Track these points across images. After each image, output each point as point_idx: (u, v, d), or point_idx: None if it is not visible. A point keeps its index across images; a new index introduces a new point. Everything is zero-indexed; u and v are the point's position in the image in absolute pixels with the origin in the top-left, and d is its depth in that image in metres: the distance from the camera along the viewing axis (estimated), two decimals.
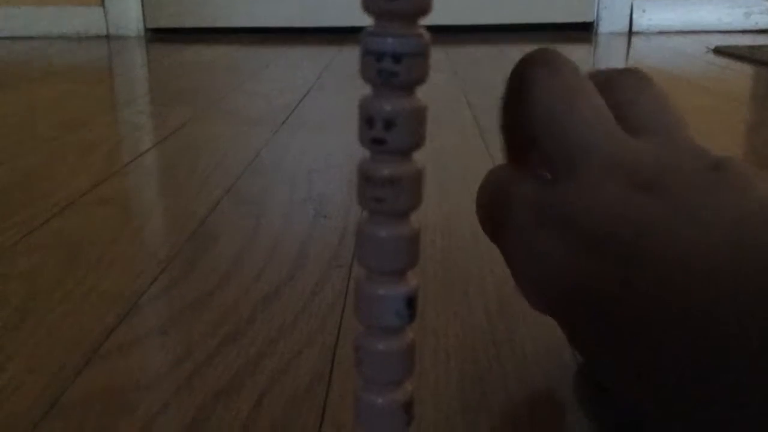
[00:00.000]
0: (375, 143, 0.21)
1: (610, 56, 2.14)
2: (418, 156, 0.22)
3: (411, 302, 0.23)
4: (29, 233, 0.68)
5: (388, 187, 0.21)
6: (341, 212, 0.74)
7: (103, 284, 0.57)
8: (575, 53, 2.16)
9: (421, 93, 0.22)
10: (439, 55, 2.04)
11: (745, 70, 1.77)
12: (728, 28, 2.66)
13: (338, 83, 1.62)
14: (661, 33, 2.65)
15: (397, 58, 0.20)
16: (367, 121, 0.21)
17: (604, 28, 2.69)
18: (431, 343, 0.47)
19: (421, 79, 0.21)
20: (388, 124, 0.20)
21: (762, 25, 2.67)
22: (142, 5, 2.69)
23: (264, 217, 0.73)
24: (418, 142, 0.21)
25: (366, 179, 0.21)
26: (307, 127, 1.15)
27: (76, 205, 0.76)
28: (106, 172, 0.89)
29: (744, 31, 2.64)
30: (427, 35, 0.20)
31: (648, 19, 2.67)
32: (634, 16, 2.68)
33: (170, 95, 1.46)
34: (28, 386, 0.42)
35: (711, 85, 1.53)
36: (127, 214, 0.74)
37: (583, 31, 2.71)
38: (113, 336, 0.48)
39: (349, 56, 2.12)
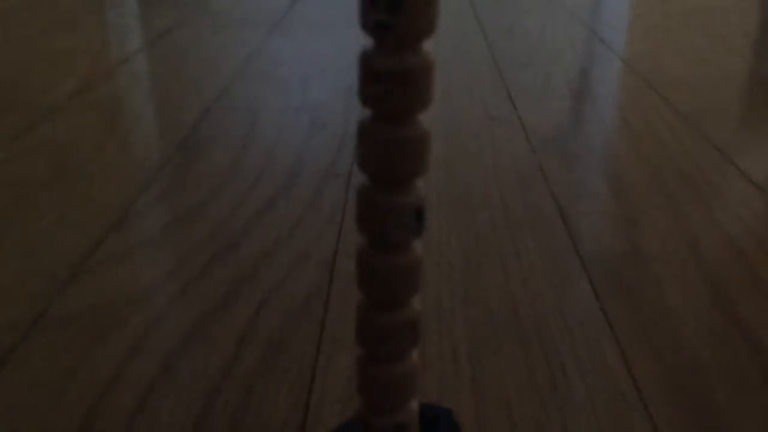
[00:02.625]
0: (379, 28, 0.18)
1: None
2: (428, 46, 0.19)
3: (420, 214, 0.20)
4: (15, 138, 0.65)
5: (393, 81, 0.18)
6: (339, 120, 0.71)
7: (92, 193, 0.54)
8: None
9: None
10: None
11: None
12: None
13: None
14: None
15: None
16: None
17: None
18: (435, 256, 0.46)
19: None
20: (394, 4, 0.17)
21: None
22: None
23: (258, 125, 0.69)
24: (428, 28, 0.18)
25: (368, 73, 0.18)
26: (301, 30, 1.09)
27: (63, 110, 0.73)
28: (93, 76, 0.85)
29: None
30: None
31: None
32: None
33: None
34: (15, 298, 0.41)
35: None
36: (115, 120, 0.70)
37: None
38: (102, 247, 0.46)
39: None
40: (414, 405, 0.24)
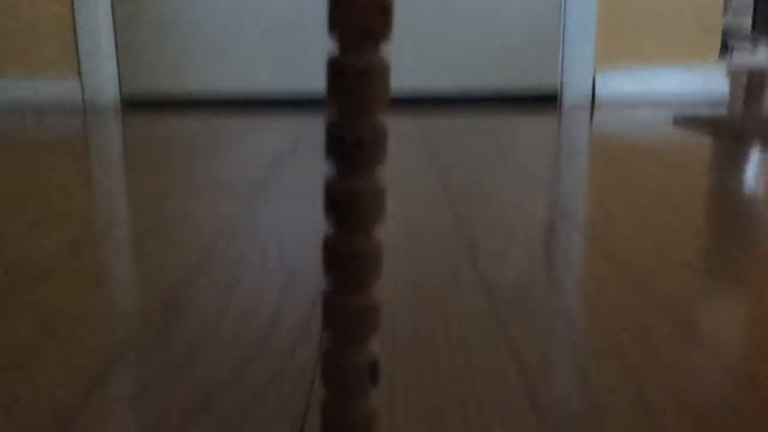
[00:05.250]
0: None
1: (574, 127, 2.22)
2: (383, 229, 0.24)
3: (375, 369, 0.24)
4: (5, 303, 0.68)
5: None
6: (313, 280, 0.76)
7: (75, 354, 0.57)
8: (541, 124, 2.23)
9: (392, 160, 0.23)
10: (408, 123, 2.09)
11: (704, 140, 1.84)
12: (689, 98, 2.78)
13: (311, 153, 1.66)
14: (623, 103, 2.76)
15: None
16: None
17: (568, 99, 2.79)
18: (399, 412, 0.48)
19: None
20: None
21: (721, 96, 2.79)
22: (119, 76, 2.74)
23: (236, 286, 0.74)
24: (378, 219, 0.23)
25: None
26: (280, 196, 1.17)
27: (51, 274, 0.76)
28: (81, 243, 0.89)
29: (705, 102, 2.75)
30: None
31: (610, 89, 2.79)
32: (597, 87, 2.78)
33: (145, 166, 1.48)
34: None
35: (668, 155, 1.59)
36: (100, 284, 0.74)
37: (549, 103, 2.81)
38: (85, 405, 0.49)
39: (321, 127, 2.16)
40: None
